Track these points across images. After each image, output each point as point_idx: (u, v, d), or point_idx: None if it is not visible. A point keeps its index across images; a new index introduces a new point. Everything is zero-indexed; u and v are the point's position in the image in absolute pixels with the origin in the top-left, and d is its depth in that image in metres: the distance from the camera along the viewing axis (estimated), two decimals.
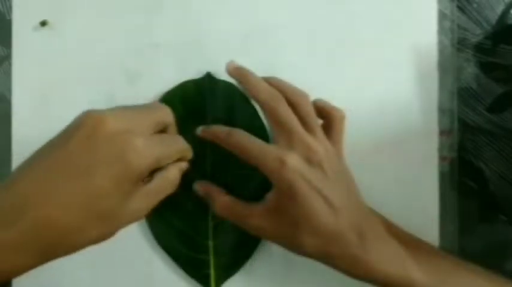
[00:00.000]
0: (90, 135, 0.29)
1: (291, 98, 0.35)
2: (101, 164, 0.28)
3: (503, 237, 0.39)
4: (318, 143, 0.34)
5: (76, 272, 0.38)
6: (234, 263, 0.38)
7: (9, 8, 0.39)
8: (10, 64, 0.39)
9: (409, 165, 0.39)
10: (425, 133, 0.39)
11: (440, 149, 0.39)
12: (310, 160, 0.33)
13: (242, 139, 0.34)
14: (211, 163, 0.38)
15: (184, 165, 0.34)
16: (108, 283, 0.39)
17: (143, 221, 0.38)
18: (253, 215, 0.34)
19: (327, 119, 0.36)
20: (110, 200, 0.29)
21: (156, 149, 0.31)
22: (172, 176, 0.32)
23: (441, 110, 0.39)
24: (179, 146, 0.33)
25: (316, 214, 0.32)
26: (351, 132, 0.37)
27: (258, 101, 0.35)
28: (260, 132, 0.37)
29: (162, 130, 0.33)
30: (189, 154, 0.34)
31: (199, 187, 0.37)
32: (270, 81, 0.36)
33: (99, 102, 0.38)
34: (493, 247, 0.38)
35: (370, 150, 0.38)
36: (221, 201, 0.36)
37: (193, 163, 0.35)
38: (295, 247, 0.34)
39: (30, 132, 0.38)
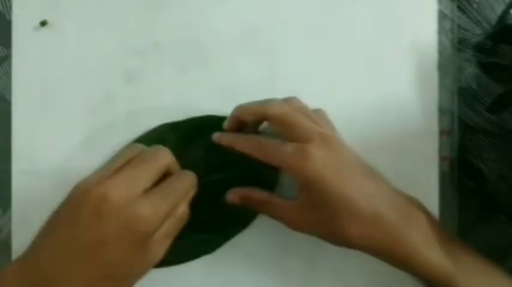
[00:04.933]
0: (96, 212, 0.29)
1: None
2: (111, 238, 0.29)
3: (503, 237, 0.39)
4: (329, 130, 0.34)
5: None
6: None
7: (9, 8, 0.39)
8: (10, 64, 0.39)
9: (409, 165, 0.38)
10: (425, 133, 0.39)
11: (440, 149, 0.39)
12: (329, 147, 0.32)
13: (261, 141, 0.34)
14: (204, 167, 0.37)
15: (191, 195, 0.34)
16: None
17: None
18: (289, 212, 0.33)
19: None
20: (124, 266, 0.30)
21: (163, 207, 0.31)
22: (180, 214, 0.33)
23: (441, 110, 0.39)
24: (184, 186, 0.33)
25: (353, 198, 0.31)
26: (351, 132, 0.37)
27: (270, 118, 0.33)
28: None
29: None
30: (195, 186, 0.34)
31: (233, 195, 0.36)
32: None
33: (99, 102, 0.38)
34: (493, 247, 0.38)
35: (370, 150, 0.38)
36: (257, 199, 0.35)
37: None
38: (337, 237, 0.32)
39: (30, 133, 0.38)
